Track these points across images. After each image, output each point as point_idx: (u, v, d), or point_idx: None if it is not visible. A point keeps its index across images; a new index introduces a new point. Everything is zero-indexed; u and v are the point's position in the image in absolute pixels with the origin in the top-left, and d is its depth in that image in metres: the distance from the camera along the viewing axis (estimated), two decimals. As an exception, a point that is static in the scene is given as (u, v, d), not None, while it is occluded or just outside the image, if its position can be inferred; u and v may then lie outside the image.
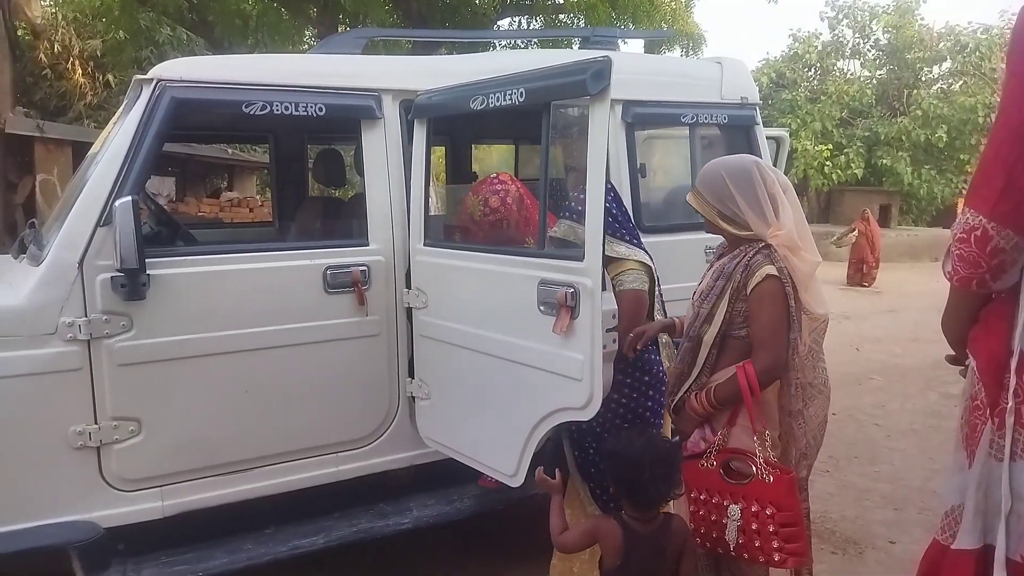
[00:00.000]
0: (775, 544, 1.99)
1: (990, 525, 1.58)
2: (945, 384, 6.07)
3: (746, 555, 2.06)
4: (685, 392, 2.25)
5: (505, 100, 2.33)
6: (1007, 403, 1.53)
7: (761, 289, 2.10)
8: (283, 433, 2.68)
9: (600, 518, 2.25)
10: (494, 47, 11.01)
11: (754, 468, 2.04)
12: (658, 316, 2.61)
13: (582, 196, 2.63)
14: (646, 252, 2.62)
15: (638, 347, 2.40)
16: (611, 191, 2.66)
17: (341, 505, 2.84)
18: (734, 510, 2.05)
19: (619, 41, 3.94)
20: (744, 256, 2.15)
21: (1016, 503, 1.53)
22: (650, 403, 2.54)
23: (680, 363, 2.27)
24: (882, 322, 9.22)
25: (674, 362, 2.35)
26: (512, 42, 11.98)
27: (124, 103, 2.70)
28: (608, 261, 2.60)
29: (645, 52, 10.98)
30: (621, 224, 2.62)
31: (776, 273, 2.09)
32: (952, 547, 1.63)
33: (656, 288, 2.64)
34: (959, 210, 1.60)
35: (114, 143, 2.45)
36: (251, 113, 2.59)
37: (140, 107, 2.45)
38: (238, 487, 2.63)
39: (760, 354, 2.09)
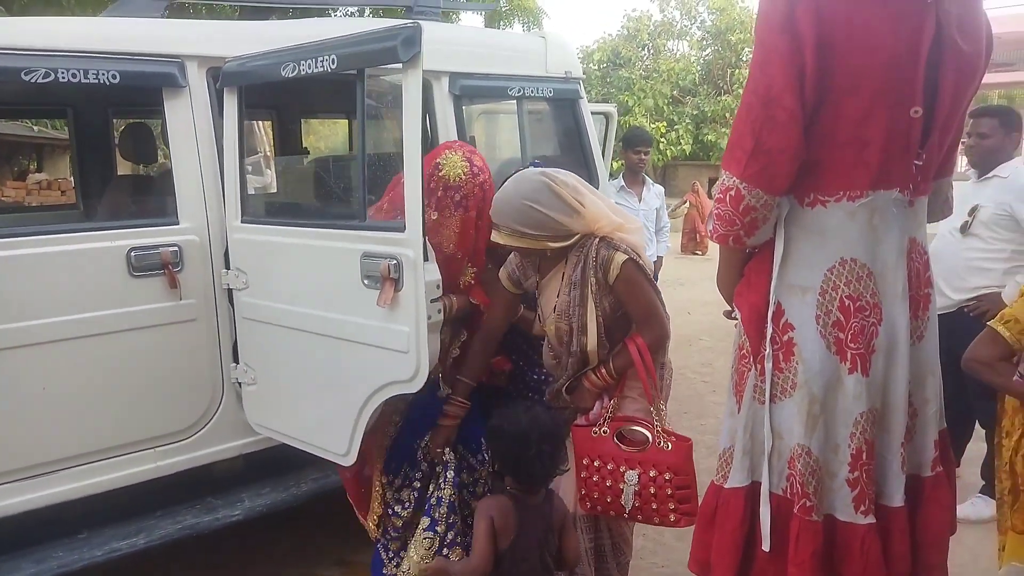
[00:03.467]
0: (671, 506, 2.08)
1: (756, 463, 1.74)
2: (763, 340, 6.60)
3: (640, 517, 2.13)
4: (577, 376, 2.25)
5: (317, 67, 2.24)
6: (766, 350, 1.68)
7: (624, 276, 2.12)
8: (91, 431, 2.47)
9: (489, 499, 2.16)
10: (329, 14, 10.57)
11: (650, 435, 2.11)
12: None
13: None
14: None
15: None
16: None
17: (167, 502, 2.67)
18: (631, 475, 2.10)
19: (458, 14, 3.90)
20: (586, 259, 2.15)
21: (776, 441, 1.69)
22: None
23: (571, 372, 2.25)
24: (711, 287, 9.77)
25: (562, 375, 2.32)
26: (348, 10, 11.56)
27: None
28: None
29: (486, 27, 10.97)
30: None
31: (628, 255, 2.13)
32: (725, 486, 1.78)
33: None
34: None
35: None
36: (33, 81, 2.34)
37: None
38: (40, 492, 2.40)
39: (645, 329, 2.15)
